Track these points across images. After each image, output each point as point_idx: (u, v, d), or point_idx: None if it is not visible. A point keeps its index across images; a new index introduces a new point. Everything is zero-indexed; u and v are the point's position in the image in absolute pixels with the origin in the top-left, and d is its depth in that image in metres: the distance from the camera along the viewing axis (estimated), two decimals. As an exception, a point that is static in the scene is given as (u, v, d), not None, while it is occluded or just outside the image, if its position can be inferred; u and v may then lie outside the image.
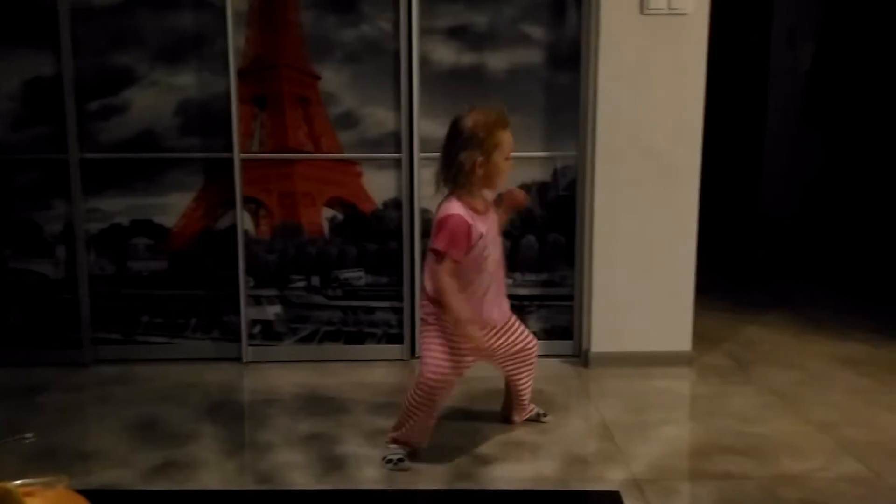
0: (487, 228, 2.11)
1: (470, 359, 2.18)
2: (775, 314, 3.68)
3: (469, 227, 2.05)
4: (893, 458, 2.19)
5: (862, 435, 2.35)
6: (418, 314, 3.07)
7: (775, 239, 4.83)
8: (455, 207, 2.07)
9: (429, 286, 2.13)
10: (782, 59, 5.01)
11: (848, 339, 3.30)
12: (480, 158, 2.04)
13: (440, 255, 2.04)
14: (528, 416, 2.46)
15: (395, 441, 2.19)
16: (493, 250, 2.14)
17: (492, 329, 2.21)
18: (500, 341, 2.25)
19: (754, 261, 4.70)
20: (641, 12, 2.80)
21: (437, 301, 2.11)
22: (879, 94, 3.91)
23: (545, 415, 2.48)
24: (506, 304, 2.27)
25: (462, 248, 2.04)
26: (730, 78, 5.00)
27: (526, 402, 2.42)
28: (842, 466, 2.15)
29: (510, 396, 2.42)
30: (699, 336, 3.05)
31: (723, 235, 4.86)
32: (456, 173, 2.06)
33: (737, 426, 2.43)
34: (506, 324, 2.26)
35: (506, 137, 2.07)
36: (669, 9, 2.79)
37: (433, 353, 2.13)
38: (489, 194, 2.17)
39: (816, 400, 2.64)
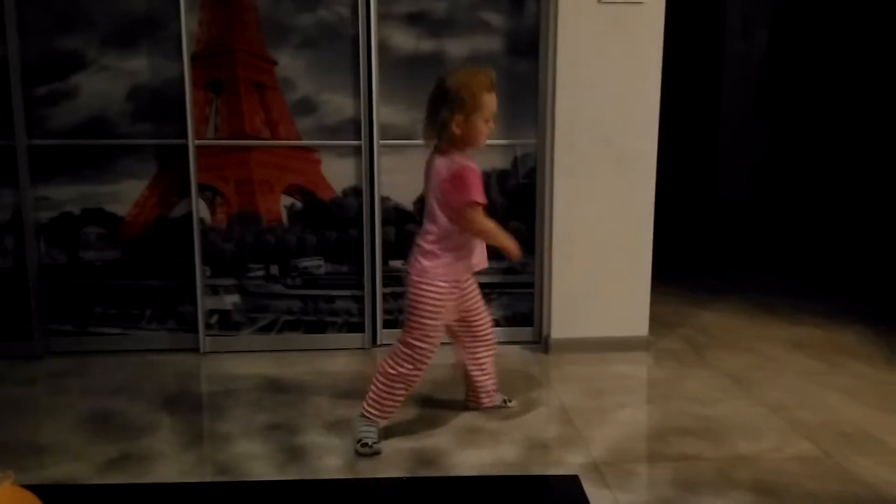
0: None
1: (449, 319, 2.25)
2: (729, 299, 3.77)
3: (480, 177, 2.12)
4: (843, 438, 2.26)
5: (812, 416, 2.42)
6: (380, 302, 3.07)
7: (729, 225, 4.93)
8: (464, 160, 2.12)
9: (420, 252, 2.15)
10: (736, 48, 5.10)
11: (799, 323, 3.39)
12: (460, 118, 2.06)
13: (476, 206, 2.09)
14: (493, 403, 2.46)
15: (369, 414, 2.18)
16: None
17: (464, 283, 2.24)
18: (473, 300, 2.29)
19: (709, 248, 4.79)
20: (599, 1, 2.81)
21: (445, 255, 2.14)
22: (830, 83, 4.01)
23: (510, 400, 2.50)
24: (483, 254, 2.29)
25: (483, 192, 2.10)
26: (685, 67, 5.07)
27: (488, 388, 2.44)
28: (793, 447, 2.21)
29: (471, 383, 2.43)
30: (656, 321, 3.11)
31: (679, 222, 4.95)
32: (439, 129, 2.10)
33: (692, 409, 2.48)
34: (474, 292, 2.30)
35: (488, 100, 2.08)
36: (626, -3, 2.82)
37: (433, 320, 2.17)
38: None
39: (769, 382, 2.71)
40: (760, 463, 2.11)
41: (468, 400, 2.46)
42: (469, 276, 2.26)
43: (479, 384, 2.42)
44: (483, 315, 2.35)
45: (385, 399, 2.19)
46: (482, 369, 2.41)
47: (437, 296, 2.16)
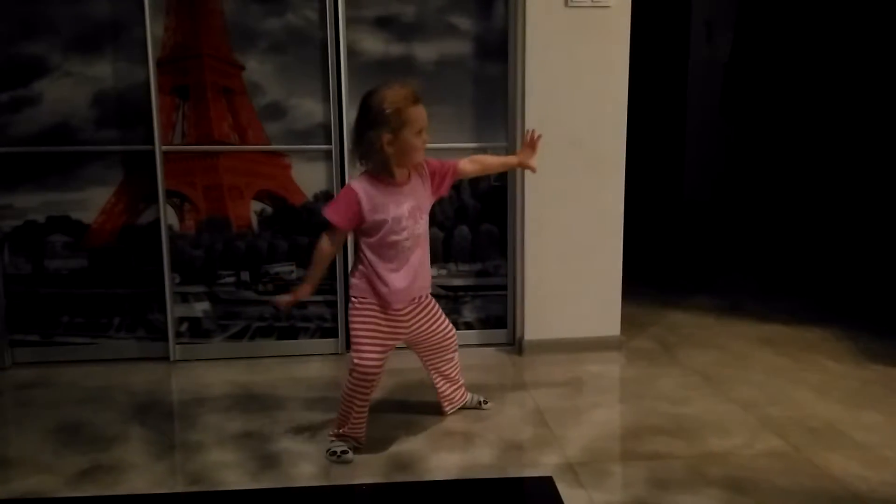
0: (407, 202, 2.10)
1: (397, 341, 2.20)
2: (698, 298, 3.81)
3: (357, 198, 2.06)
4: (811, 433, 2.30)
5: (781, 412, 2.46)
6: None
7: (696, 225, 4.99)
8: (355, 181, 2.10)
9: (351, 266, 2.17)
10: (701, 51, 5.17)
11: (766, 320, 3.44)
12: (389, 136, 2.02)
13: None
14: (463, 404, 2.47)
15: (338, 437, 2.18)
16: (412, 224, 2.11)
17: (415, 303, 2.20)
18: (423, 325, 2.24)
19: (677, 248, 4.85)
20: (566, 5, 2.84)
21: (362, 279, 2.13)
22: (793, 84, 4.09)
23: (486, 402, 2.50)
24: (428, 278, 2.24)
25: (343, 215, 2.07)
26: (652, 69, 5.13)
27: (451, 397, 2.43)
28: (764, 443, 2.24)
29: (437, 387, 2.42)
30: (627, 321, 3.14)
31: (648, 223, 5.00)
32: (366, 151, 2.06)
33: (664, 407, 2.51)
34: (428, 307, 2.25)
35: (415, 113, 2.02)
36: (593, 2, 2.84)
37: (362, 337, 2.13)
38: (403, 172, 2.13)
39: (739, 379, 2.75)
40: (732, 459, 2.14)
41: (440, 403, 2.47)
42: (407, 305, 2.18)
43: (441, 393, 2.41)
44: (442, 331, 2.31)
45: (350, 416, 2.17)
46: (447, 378, 2.41)
47: (362, 315, 2.14)
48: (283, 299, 2.26)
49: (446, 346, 2.34)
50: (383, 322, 2.15)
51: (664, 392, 2.64)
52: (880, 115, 3.92)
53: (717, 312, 3.58)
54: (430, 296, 2.27)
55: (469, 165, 2.29)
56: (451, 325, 2.35)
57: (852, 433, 2.29)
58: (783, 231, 4.27)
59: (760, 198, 4.22)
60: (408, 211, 2.10)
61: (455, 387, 2.44)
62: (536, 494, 2.03)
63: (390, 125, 2.01)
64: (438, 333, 2.30)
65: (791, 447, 2.21)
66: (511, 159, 2.44)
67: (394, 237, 2.09)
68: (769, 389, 2.65)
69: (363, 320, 2.14)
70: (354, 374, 2.13)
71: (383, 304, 2.14)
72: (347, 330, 3.04)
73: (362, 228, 2.11)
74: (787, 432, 2.30)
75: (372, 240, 2.10)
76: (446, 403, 2.43)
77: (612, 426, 2.41)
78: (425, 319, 2.25)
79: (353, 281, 2.17)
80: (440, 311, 2.31)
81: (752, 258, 4.38)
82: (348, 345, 3.06)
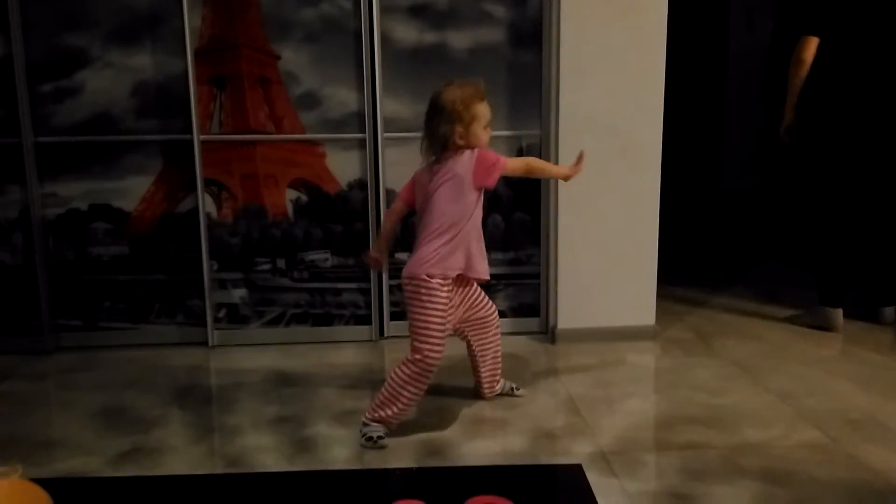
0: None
1: (452, 320, 2.27)
2: (736, 288, 3.76)
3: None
4: (850, 425, 2.26)
5: (820, 403, 2.42)
6: (386, 294, 3.08)
7: (735, 214, 4.92)
8: (480, 151, 2.19)
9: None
10: (741, 39, 5.07)
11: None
12: (461, 130, 2.14)
13: (501, 168, 2.20)
14: (500, 390, 2.49)
15: (377, 420, 2.19)
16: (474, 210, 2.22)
17: (461, 287, 2.27)
18: (467, 303, 2.32)
19: (715, 237, 4.78)
20: (602, -10, 2.81)
21: (434, 256, 2.16)
22: (834, 71, 3.98)
23: (518, 388, 2.51)
24: (483, 263, 2.28)
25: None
26: (690, 57, 5.05)
27: (497, 377, 2.46)
28: (801, 434, 2.21)
29: (478, 371, 2.44)
30: (663, 310, 3.11)
31: (685, 212, 4.94)
32: (440, 145, 2.17)
33: (699, 397, 2.48)
34: (472, 293, 2.33)
35: (482, 109, 2.17)
36: (630, -14, 2.80)
37: (429, 326, 2.16)
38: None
39: (776, 370, 2.71)
40: (768, 451, 2.11)
41: (479, 387, 2.48)
42: (469, 280, 2.27)
43: (484, 376, 2.45)
44: (485, 307, 2.38)
45: (398, 403, 2.18)
46: (494, 359, 2.44)
47: (432, 298, 2.17)
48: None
49: (490, 321, 2.40)
50: (446, 306, 2.20)
51: (700, 382, 2.62)
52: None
53: (756, 302, 3.53)
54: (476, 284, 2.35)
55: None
56: (492, 305, 2.41)
57: (893, 425, 2.24)
58: (822, 219, 4.19)
59: (799, 185, 4.14)
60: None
61: (498, 371, 2.47)
62: (565, 482, 2.03)
63: (463, 120, 2.14)
64: (484, 307, 2.38)
65: (829, 439, 2.17)
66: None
67: (467, 210, 2.18)
68: (808, 380, 2.61)
69: (429, 308, 2.16)
70: (419, 365, 2.15)
71: (440, 274, 2.16)
72: (381, 317, 3.08)
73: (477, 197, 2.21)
74: (825, 424, 2.26)
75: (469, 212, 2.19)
76: (487, 388, 2.46)
77: (646, 416, 2.39)
78: (469, 298, 2.33)
79: (420, 265, 2.17)
80: (481, 292, 2.38)
81: (791, 247, 4.30)
82: (382, 332, 3.10)
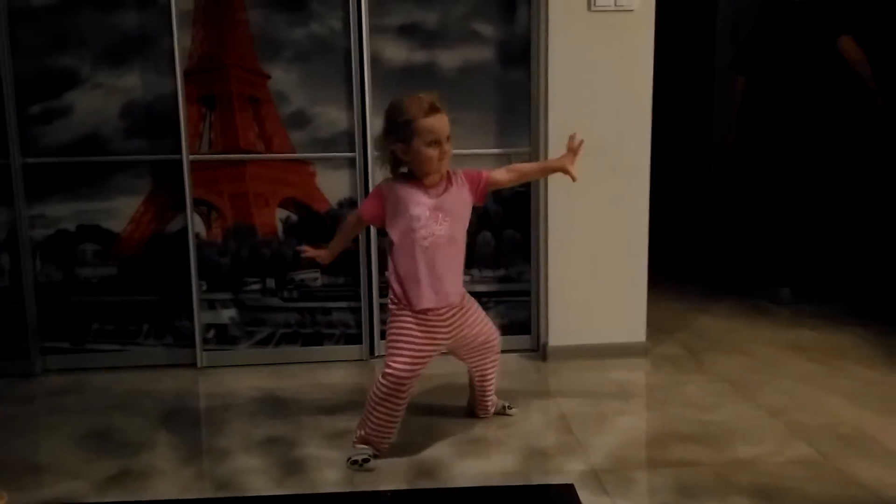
0: (430, 202, 2.11)
1: (435, 349, 2.18)
2: (725, 303, 3.77)
3: (381, 194, 2.16)
4: (841, 440, 2.26)
5: (811, 419, 2.42)
6: (377, 313, 3.07)
7: (724, 228, 4.94)
8: (388, 181, 2.17)
9: (389, 271, 2.17)
10: (727, 53, 5.12)
11: (795, 325, 3.40)
12: (402, 146, 2.08)
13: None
14: (494, 409, 2.47)
15: (361, 441, 2.18)
16: (432, 224, 2.11)
17: (454, 309, 2.19)
18: (464, 331, 2.23)
19: (704, 251, 4.81)
20: (589, 9, 2.83)
21: (394, 283, 2.15)
22: (817, 88, 4.04)
23: (511, 407, 2.50)
24: (457, 286, 2.21)
25: (366, 205, 2.21)
26: (677, 73, 5.09)
27: (491, 397, 2.44)
28: (792, 450, 2.21)
29: (475, 391, 2.43)
30: (653, 327, 3.11)
31: (674, 228, 4.96)
32: (386, 158, 2.14)
33: (691, 414, 2.48)
34: (469, 312, 2.24)
35: (426, 125, 2.04)
36: (616, 6, 2.83)
37: (400, 343, 2.13)
38: (433, 178, 2.13)
39: (767, 386, 2.71)
40: (760, 467, 2.11)
41: (472, 407, 2.46)
42: (440, 308, 2.15)
43: (480, 397, 2.43)
44: (485, 334, 2.30)
45: (372, 420, 2.16)
46: (489, 381, 2.41)
47: (398, 320, 2.15)
48: (309, 249, 2.34)
49: (489, 347, 2.33)
50: (418, 329, 2.13)
51: (691, 399, 2.62)
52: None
53: (746, 317, 3.54)
54: (471, 299, 2.28)
55: (505, 175, 2.29)
56: (493, 328, 2.35)
57: (883, 440, 2.25)
58: (810, 233, 4.22)
59: (786, 200, 4.19)
60: (428, 211, 2.11)
61: (493, 392, 2.44)
62: (558, 502, 2.02)
63: (402, 135, 2.07)
64: (481, 336, 2.29)
65: (820, 455, 2.17)
66: (553, 163, 2.40)
67: (412, 235, 2.10)
68: (798, 396, 2.61)
69: (398, 326, 2.14)
70: (387, 380, 2.12)
71: (413, 306, 2.13)
72: (372, 336, 3.08)
73: (388, 228, 2.15)
74: (816, 439, 2.27)
75: (395, 239, 2.13)
76: (481, 411, 2.44)
77: (638, 433, 2.39)
78: (467, 324, 2.24)
79: (390, 287, 2.18)
80: (481, 313, 2.31)
81: (780, 260, 4.32)
82: (373, 351, 3.09)
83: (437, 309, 2.15)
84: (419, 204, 2.11)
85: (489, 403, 2.45)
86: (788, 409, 2.50)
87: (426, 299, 2.13)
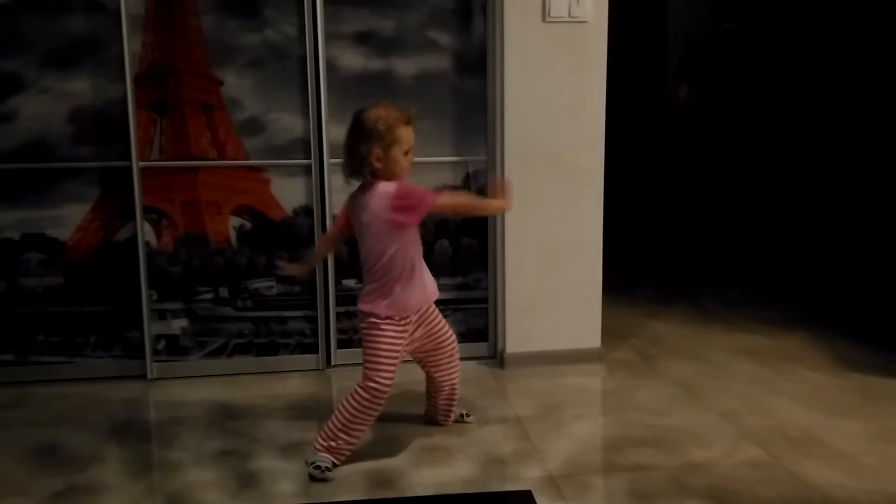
0: None
1: (403, 352, 2.22)
2: (677, 309, 3.83)
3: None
4: (791, 442, 2.32)
5: (761, 422, 2.47)
6: (333, 322, 3.04)
7: (676, 235, 5.03)
8: (392, 184, 2.12)
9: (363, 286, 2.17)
10: (677, 60, 5.23)
11: (745, 330, 3.47)
12: (379, 152, 2.08)
13: (427, 206, 2.10)
14: (453, 417, 2.47)
15: (327, 450, 2.15)
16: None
17: (418, 313, 2.21)
18: (423, 331, 2.25)
19: (656, 256, 4.89)
20: (544, 20, 2.86)
21: (374, 296, 2.15)
22: (767, 106, 4.21)
23: (468, 415, 2.50)
24: (431, 286, 2.27)
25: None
26: (629, 83, 5.18)
27: (453, 405, 2.44)
28: (744, 453, 2.25)
29: (434, 398, 2.42)
30: (608, 332, 3.14)
31: (629, 235, 5.04)
32: (357, 166, 2.12)
33: (645, 419, 2.51)
34: (429, 315, 2.27)
35: (405, 133, 2.10)
36: (570, 17, 2.87)
37: (380, 357, 2.14)
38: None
39: (719, 390, 2.76)
40: (713, 470, 2.15)
41: (432, 414, 2.46)
42: (421, 308, 2.23)
43: (442, 403, 2.42)
44: (442, 335, 2.32)
45: (348, 433, 2.15)
46: (453, 387, 2.41)
47: (383, 334, 2.15)
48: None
49: (444, 351, 2.34)
50: (397, 335, 2.16)
51: (645, 403, 2.65)
52: (854, 122, 3.99)
53: (697, 323, 3.61)
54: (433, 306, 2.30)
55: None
56: (451, 333, 2.36)
57: (831, 442, 2.31)
58: (760, 237, 4.36)
59: (736, 207, 4.32)
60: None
61: (455, 399, 2.44)
62: (518, 508, 2.02)
63: (382, 141, 2.07)
64: (439, 337, 2.31)
65: (771, 457, 2.22)
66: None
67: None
68: (749, 399, 2.67)
69: (385, 340, 2.15)
70: (370, 393, 2.13)
71: (396, 315, 2.15)
72: (328, 345, 3.04)
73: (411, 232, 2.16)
74: (766, 442, 2.32)
75: (405, 248, 2.14)
76: (442, 417, 2.44)
77: (594, 438, 2.41)
78: (427, 324, 2.27)
79: (365, 301, 2.17)
80: (440, 316, 2.33)
81: (730, 265, 4.42)
82: (329, 360, 3.06)
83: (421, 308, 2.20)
84: None
85: (449, 411, 2.45)
86: (740, 412, 2.55)
87: (411, 306, 2.17)
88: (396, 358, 2.18)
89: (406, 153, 2.11)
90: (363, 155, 2.08)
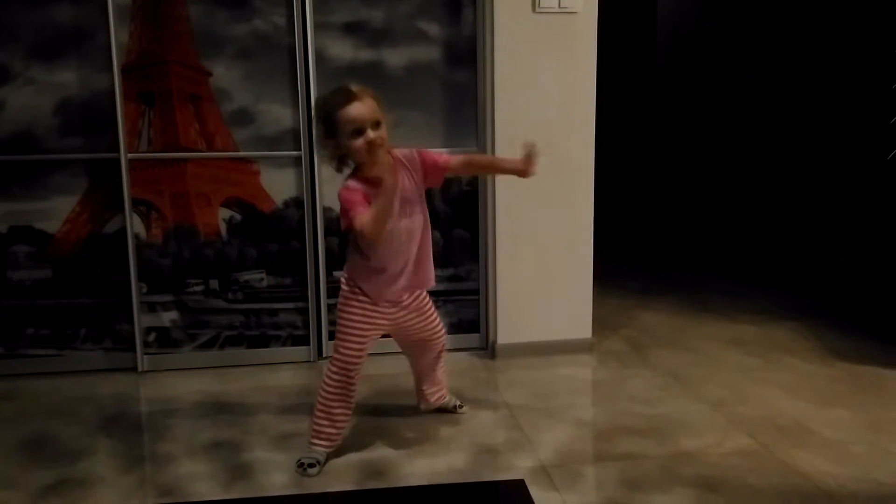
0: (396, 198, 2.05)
1: (378, 332, 2.18)
2: (668, 299, 3.85)
3: (360, 191, 1.99)
4: (779, 431, 2.33)
5: (751, 411, 2.49)
6: (325, 314, 3.03)
7: (667, 226, 5.05)
8: (350, 181, 2.04)
9: (348, 262, 2.14)
10: (666, 54, 5.24)
11: (735, 321, 3.49)
12: (331, 142, 2.02)
13: (352, 225, 1.98)
14: (440, 405, 2.46)
15: (321, 438, 2.15)
16: (404, 219, 2.08)
17: (411, 297, 2.19)
18: (412, 320, 2.23)
19: (648, 248, 4.91)
20: (533, 11, 2.86)
21: (358, 270, 2.11)
22: (756, 92, 4.23)
23: (461, 406, 2.50)
24: (430, 272, 2.21)
25: (363, 205, 1.97)
26: (620, 74, 5.18)
27: (432, 392, 2.43)
28: (734, 441, 2.27)
29: (419, 384, 2.43)
30: (599, 323, 3.15)
31: (618, 224, 5.06)
32: (330, 160, 2.07)
33: (636, 408, 2.53)
34: (422, 302, 2.25)
35: (345, 115, 1.96)
36: (560, 7, 2.86)
37: (349, 327, 2.11)
38: (379, 169, 2.03)
39: (709, 380, 2.78)
40: (703, 459, 2.16)
41: (419, 400, 2.46)
42: (407, 297, 2.19)
43: (419, 389, 2.43)
44: (430, 330, 2.31)
45: (329, 412, 2.15)
46: (428, 378, 2.42)
47: (352, 305, 2.12)
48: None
49: (432, 345, 2.34)
50: (370, 313, 2.13)
51: (636, 393, 2.66)
52: (844, 112, 4.02)
53: (687, 313, 3.62)
54: (426, 292, 2.26)
55: (461, 161, 2.23)
56: (441, 327, 2.34)
57: (820, 430, 2.33)
58: (752, 230, 4.38)
59: (727, 195, 4.35)
60: (398, 207, 2.06)
61: (436, 388, 2.44)
62: (509, 498, 2.03)
63: (329, 130, 2.00)
64: (427, 331, 2.29)
65: (760, 445, 2.24)
66: (508, 165, 2.28)
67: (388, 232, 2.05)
68: (738, 389, 2.68)
69: (352, 311, 2.12)
70: (336, 365, 2.11)
71: (376, 297, 2.13)
72: (320, 337, 3.04)
73: None
74: (756, 431, 2.33)
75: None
76: (422, 401, 2.44)
77: (585, 428, 2.42)
78: (416, 314, 2.24)
79: (347, 272, 2.15)
80: (433, 309, 2.30)
81: (722, 256, 4.44)
82: (321, 352, 3.05)
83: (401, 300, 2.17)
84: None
85: (427, 396, 2.43)
86: (730, 401, 2.57)
87: (397, 292, 2.14)
88: (365, 333, 2.13)
89: (353, 134, 1.96)
90: (322, 149, 2.05)
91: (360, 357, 2.14)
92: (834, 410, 2.48)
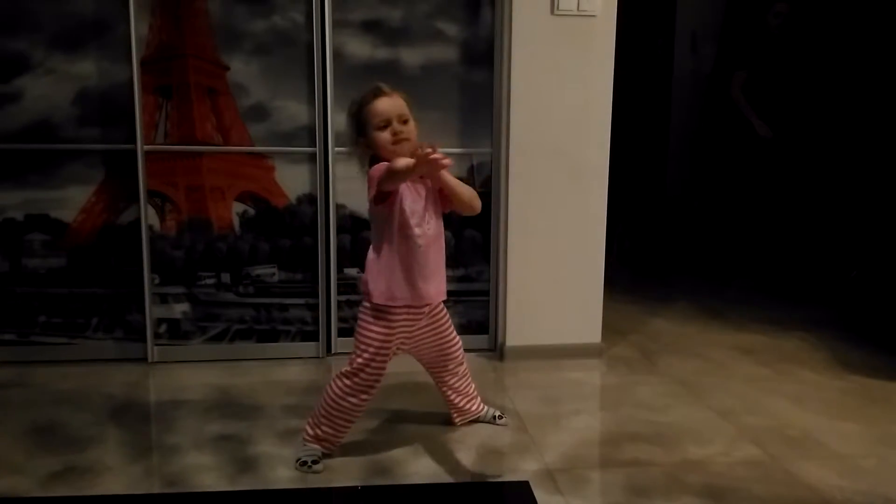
0: (422, 198, 2.05)
1: (395, 346, 2.12)
2: (679, 306, 3.84)
3: (387, 167, 1.94)
4: (788, 442, 2.32)
5: (759, 421, 2.47)
6: (334, 310, 3.04)
7: (679, 232, 5.03)
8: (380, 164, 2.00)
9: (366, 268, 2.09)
10: (685, 62, 5.21)
11: (746, 329, 3.47)
12: (362, 139, 2.05)
13: (377, 187, 1.96)
14: (477, 417, 2.41)
15: (314, 439, 2.14)
16: (425, 223, 2.05)
17: (423, 308, 2.12)
18: (427, 334, 2.19)
19: (660, 253, 4.89)
20: (552, 13, 2.85)
21: (378, 279, 2.05)
22: (777, 95, 4.21)
23: (501, 416, 2.42)
24: (442, 284, 2.16)
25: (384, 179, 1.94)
26: (637, 78, 5.16)
27: (465, 403, 2.38)
28: (741, 451, 2.26)
29: (446, 399, 2.37)
30: (608, 328, 3.15)
31: (632, 230, 5.04)
32: (360, 158, 2.09)
33: (644, 415, 2.52)
34: (438, 315, 2.20)
35: (374, 108, 2.01)
36: (579, 10, 2.86)
37: (374, 341, 2.07)
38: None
39: (717, 388, 2.76)
40: (709, 467, 2.15)
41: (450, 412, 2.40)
42: (425, 305, 2.12)
43: (452, 403, 2.37)
44: (446, 342, 2.24)
45: (334, 418, 2.13)
46: (457, 391, 2.35)
47: (375, 318, 2.07)
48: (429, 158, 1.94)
49: (450, 358, 2.28)
50: (395, 326, 2.08)
51: (643, 400, 2.65)
52: (860, 125, 3.99)
53: (698, 321, 3.61)
54: (442, 305, 2.21)
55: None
56: (457, 338, 2.28)
57: (829, 443, 2.31)
58: (762, 238, 4.37)
59: (741, 206, 4.33)
60: (422, 208, 2.05)
61: (467, 399, 2.38)
62: (513, 500, 2.03)
63: (359, 127, 2.05)
64: (442, 344, 2.24)
65: (768, 456, 2.22)
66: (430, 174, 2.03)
67: (408, 231, 2.02)
68: (747, 398, 2.67)
69: (378, 325, 2.07)
70: (360, 377, 2.07)
71: (399, 305, 2.06)
72: (329, 333, 3.05)
73: (386, 213, 2.02)
74: (764, 441, 2.32)
75: (391, 231, 2.02)
76: (456, 415, 2.38)
77: (592, 433, 2.41)
78: (431, 327, 2.19)
79: (368, 283, 2.08)
80: (449, 321, 2.25)
81: (734, 265, 4.42)
82: (330, 348, 3.06)
83: (415, 307, 2.10)
84: (416, 200, 2.04)
85: (462, 410, 2.38)
86: (738, 411, 2.55)
87: (418, 298, 2.08)
88: (382, 346, 2.08)
89: (381, 127, 1.99)
90: (355, 147, 2.08)
91: (383, 373, 2.11)
92: (844, 423, 2.46)
